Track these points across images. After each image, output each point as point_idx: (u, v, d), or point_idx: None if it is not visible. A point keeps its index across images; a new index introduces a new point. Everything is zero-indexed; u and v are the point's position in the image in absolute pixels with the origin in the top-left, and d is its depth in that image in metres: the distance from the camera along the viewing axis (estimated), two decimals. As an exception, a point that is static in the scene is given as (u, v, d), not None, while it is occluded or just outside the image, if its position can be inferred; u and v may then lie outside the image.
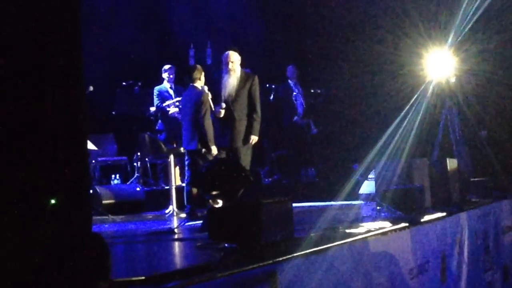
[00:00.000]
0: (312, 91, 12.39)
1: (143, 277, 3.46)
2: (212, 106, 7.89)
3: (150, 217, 8.68)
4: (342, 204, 8.00)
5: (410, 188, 7.17)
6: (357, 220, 6.51)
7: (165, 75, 10.31)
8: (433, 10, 10.75)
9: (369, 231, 5.60)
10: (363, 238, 5.33)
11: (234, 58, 7.91)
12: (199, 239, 5.32)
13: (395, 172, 7.35)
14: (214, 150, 7.67)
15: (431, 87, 10.21)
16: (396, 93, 10.44)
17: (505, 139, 10.88)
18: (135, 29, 11.24)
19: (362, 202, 8.53)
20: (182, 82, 10.50)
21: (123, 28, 10.96)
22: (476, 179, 9.64)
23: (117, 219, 8.33)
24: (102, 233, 3.40)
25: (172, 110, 9.92)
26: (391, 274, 5.63)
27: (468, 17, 10.20)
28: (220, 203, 5.60)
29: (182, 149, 8.93)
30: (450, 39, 10.27)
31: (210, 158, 7.59)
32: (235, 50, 7.98)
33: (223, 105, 7.86)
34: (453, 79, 10.40)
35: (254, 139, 7.90)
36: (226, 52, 7.96)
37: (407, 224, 6.13)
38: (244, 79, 7.93)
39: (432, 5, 10.81)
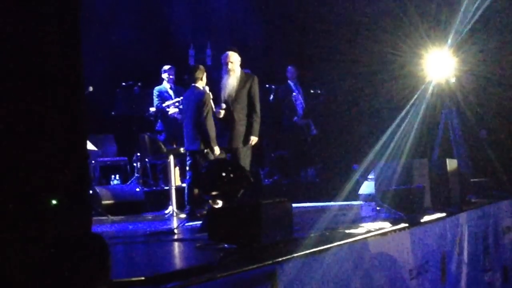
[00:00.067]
0: (312, 91, 12.39)
1: (142, 278, 3.46)
2: (213, 106, 7.89)
3: (150, 217, 8.67)
4: (342, 205, 8.00)
5: (410, 188, 7.17)
6: (357, 221, 6.50)
7: (164, 76, 10.32)
8: (433, 10, 10.76)
9: (369, 231, 5.60)
10: (363, 238, 5.33)
11: (234, 59, 7.91)
12: (199, 239, 5.32)
13: (395, 173, 7.35)
14: (217, 150, 7.67)
15: (431, 88, 10.21)
16: (396, 94, 10.45)
17: (505, 139, 10.89)
18: (135, 29, 11.24)
19: (362, 202, 8.51)
20: (182, 83, 10.50)
21: (123, 28, 10.96)
22: (476, 179, 9.64)
23: (117, 219, 8.33)
24: (102, 234, 3.39)
25: (172, 110, 9.92)
26: (391, 275, 5.63)
27: (468, 18, 10.21)
28: (220, 203, 5.60)
29: (182, 149, 8.93)
30: (450, 40, 10.27)
31: (212, 158, 7.58)
32: (234, 51, 7.98)
33: (223, 105, 7.86)
34: (453, 80, 10.41)
35: (254, 139, 7.90)
36: (226, 53, 7.96)
37: (407, 225, 6.13)
38: (244, 80, 7.93)
39: (432, 5, 10.81)
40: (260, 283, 4.01)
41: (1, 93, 2.99)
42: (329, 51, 11.44)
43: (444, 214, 7.14)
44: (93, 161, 9.66)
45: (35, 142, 3.07)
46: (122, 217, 8.53)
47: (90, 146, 9.11)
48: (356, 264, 5.11)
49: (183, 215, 8.10)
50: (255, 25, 12.39)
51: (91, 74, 7.77)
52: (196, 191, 7.55)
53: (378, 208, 7.16)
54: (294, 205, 5.39)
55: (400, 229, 5.97)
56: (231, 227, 4.64)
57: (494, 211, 8.79)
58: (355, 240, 5.21)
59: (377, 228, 5.82)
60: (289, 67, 11.93)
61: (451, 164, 8.28)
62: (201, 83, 7.95)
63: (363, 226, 5.92)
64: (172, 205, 8.64)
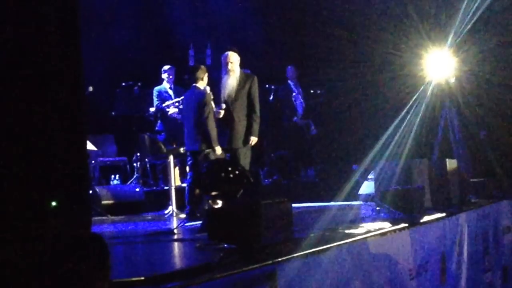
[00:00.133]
0: (312, 91, 12.39)
1: (142, 278, 3.46)
2: (214, 106, 7.88)
3: (150, 217, 8.67)
4: (342, 205, 8.00)
5: (410, 188, 7.17)
6: (357, 221, 6.50)
7: (164, 76, 10.31)
8: (433, 10, 10.75)
9: (368, 231, 5.60)
10: (362, 238, 5.33)
11: (234, 59, 7.90)
12: (199, 239, 5.32)
13: (395, 173, 7.36)
14: (218, 150, 7.66)
15: (430, 88, 10.21)
16: (395, 94, 10.45)
17: (505, 139, 10.89)
18: (135, 29, 11.24)
19: (361, 202, 8.53)
20: (182, 83, 10.50)
21: (123, 29, 10.96)
22: (475, 179, 9.64)
23: (117, 219, 8.33)
24: (102, 234, 3.39)
25: (172, 110, 9.91)
26: (390, 275, 5.63)
27: (468, 18, 10.21)
28: (219, 203, 5.60)
29: (182, 149, 8.93)
30: (449, 40, 10.27)
31: (214, 158, 7.57)
32: (234, 51, 7.97)
33: (223, 105, 7.86)
34: (452, 80, 10.40)
35: (253, 140, 7.89)
36: (226, 53, 7.96)
37: (406, 225, 6.13)
38: (243, 80, 7.93)
39: (432, 5, 10.81)
40: (260, 283, 4.01)
41: (1, 93, 2.99)
42: (329, 51, 11.43)
43: (444, 214, 7.14)
44: (93, 161, 9.66)
45: (35, 142, 3.07)
46: (122, 217, 8.53)
47: (90, 146, 9.11)
48: (356, 264, 5.11)
49: (183, 215, 8.09)
50: (255, 25, 12.38)
51: (91, 74, 7.77)
52: (197, 191, 7.54)
53: (378, 208, 7.16)
54: (294, 205, 5.39)
55: (400, 229, 5.97)
56: (231, 227, 4.64)
57: (494, 211, 8.80)
58: (355, 240, 5.21)
59: (377, 228, 5.82)
60: (289, 67, 11.94)
61: (451, 164, 8.29)
62: (202, 83, 7.94)
63: (363, 226, 5.92)
64: (172, 205, 8.64)
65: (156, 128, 10.34)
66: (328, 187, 9.48)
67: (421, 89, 10.15)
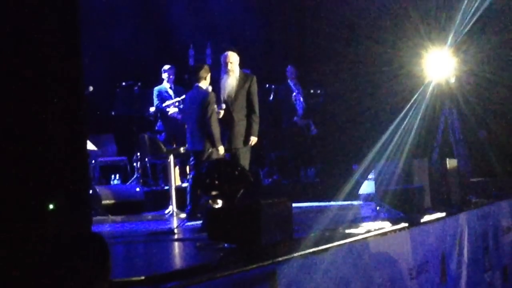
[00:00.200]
0: (312, 91, 12.38)
1: (142, 277, 3.46)
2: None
3: (150, 217, 8.67)
4: (342, 205, 8.00)
5: (410, 188, 7.17)
6: (357, 221, 6.50)
7: (164, 76, 10.32)
8: (433, 10, 10.75)
9: (368, 231, 5.60)
10: (362, 238, 5.33)
11: (233, 59, 7.91)
12: (199, 239, 5.32)
13: (395, 173, 7.35)
14: (221, 150, 7.66)
15: (430, 88, 10.21)
16: (395, 94, 10.45)
17: (505, 139, 10.89)
18: (134, 29, 11.24)
19: (361, 202, 8.53)
20: (182, 82, 10.51)
21: (123, 28, 10.96)
22: (475, 179, 9.64)
23: (117, 219, 8.33)
24: (102, 233, 3.39)
25: (172, 110, 9.92)
26: (390, 275, 5.63)
27: (468, 18, 10.21)
28: (219, 203, 5.60)
29: (182, 149, 8.93)
30: (449, 40, 10.27)
31: (216, 158, 7.57)
32: (234, 51, 7.97)
33: (223, 105, 7.86)
34: (452, 80, 10.40)
35: (253, 140, 7.90)
36: (225, 53, 7.96)
37: (406, 225, 6.13)
38: (243, 80, 7.93)
39: (431, 5, 10.81)
40: (260, 283, 4.02)
41: (1, 93, 2.99)
42: (329, 51, 11.45)
43: (444, 214, 7.14)
44: (93, 161, 9.66)
45: (35, 142, 3.07)
46: (122, 217, 8.53)
47: (90, 146, 9.11)
48: (356, 264, 5.10)
49: (183, 215, 8.10)
50: (255, 24, 12.38)
51: (91, 74, 7.76)
52: (199, 191, 7.53)
53: (378, 208, 7.16)
54: (294, 205, 5.38)
55: (400, 229, 5.97)
56: (231, 227, 4.64)
57: (494, 211, 8.79)
58: (355, 240, 5.21)
59: (377, 228, 5.81)
60: (289, 66, 11.93)
61: (451, 164, 8.28)
62: (205, 83, 7.92)
63: (363, 226, 5.93)
64: (172, 205, 8.64)
65: (156, 128, 10.34)
66: (328, 187, 9.48)
67: (421, 89, 10.14)
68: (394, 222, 6.18)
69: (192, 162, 7.91)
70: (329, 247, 4.77)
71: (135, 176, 10.06)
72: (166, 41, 11.85)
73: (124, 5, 11.34)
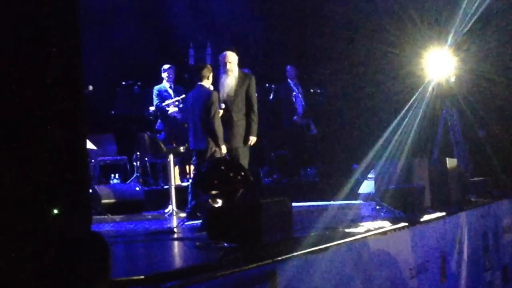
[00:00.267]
0: (312, 90, 12.38)
1: (142, 277, 3.46)
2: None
3: (150, 216, 8.67)
4: (342, 204, 8.00)
5: (410, 187, 7.17)
6: (357, 220, 6.50)
7: (164, 75, 10.32)
8: (433, 10, 10.75)
9: (368, 230, 5.60)
10: (362, 237, 5.33)
11: (232, 59, 7.91)
12: (199, 238, 5.32)
13: (395, 172, 7.35)
14: (224, 149, 7.67)
15: (430, 87, 10.21)
16: (396, 93, 10.45)
17: (505, 138, 10.89)
18: (134, 29, 11.24)
19: (361, 201, 8.52)
20: (182, 82, 10.51)
21: (123, 28, 10.96)
22: (475, 179, 9.64)
23: (117, 218, 8.33)
24: (102, 233, 3.39)
25: (172, 109, 9.92)
26: (390, 274, 5.63)
27: (468, 17, 10.20)
28: (219, 202, 5.60)
29: (181, 148, 8.93)
30: (450, 39, 10.27)
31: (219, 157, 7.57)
32: (232, 50, 7.98)
33: (222, 105, 7.87)
34: (453, 79, 10.40)
35: (253, 140, 7.91)
36: (224, 53, 7.96)
37: (406, 224, 6.13)
38: (242, 79, 7.94)
39: (432, 5, 10.81)
40: (260, 282, 4.02)
41: (1, 93, 2.99)
42: (329, 50, 11.45)
43: (444, 214, 7.14)
44: (93, 160, 9.66)
45: (35, 141, 3.07)
46: (122, 216, 8.53)
47: (90, 145, 9.11)
48: (356, 263, 5.11)
49: (183, 214, 8.09)
50: (255, 24, 12.38)
51: (91, 73, 7.76)
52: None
53: (378, 207, 7.16)
54: (294, 204, 5.40)
55: (400, 228, 5.97)
56: (231, 226, 4.64)
57: (494, 211, 8.79)
58: (355, 239, 5.22)
59: (377, 227, 5.82)
60: (289, 66, 11.93)
61: (451, 163, 8.29)
62: (208, 82, 7.92)
63: (363, 225, 5.92)
64: (172, 204, 8.64)
65: (156, 127, 10.34)
66: (328, 186, 9.48)
67: (421, 88, 10.14)
68: (394, 222, 6.18)
69: (196, 162, 7.91)
70: (329, 247, 4.77)
71: (135, 176, 10.06)
72: (166, 41, 11.85)
73: (124, 5, 11.35)
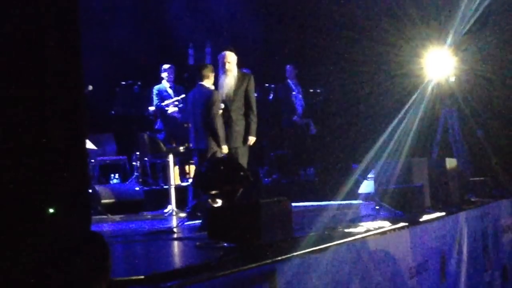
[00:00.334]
0: (311, 90, 12.39)
1: (142, 276, 3.46)
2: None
3: (149, 216, 8.68)
4: (341, 204, 8.00)
5: (410, 187, 7.17)
6: (356, 220, 6.50)
7: (164, 75, 10.32)
8: (433, 10, 10.76)
9: (368, 230, 5.60)
10: (362, 237, 5.33)
11: (231, 59, 7.92)
12: (199, 238, 5.32)
13: (394, 172, 7.35)
14: (225, 149, 7.67)
15: (430, 87, 10.21)
16: (395, 93, 10.45)
17: (504, 138, 10.89)
18: (134, 29, 11.24)
19: (361, 201, 8.53)
20: (181, 82, 10.51)
21: (123, 28, 10.96)
22: (475, 178, 9.64)
23: (116, 218, 8.33)
24: (101, 233, 3.39)
25: (171, 109, 9.92)
26: (390, 274, 5.63)
27: (468, 17, 10.21)
28: (219, 202, 5.60)
29: (181, 148, 8.94)
30: (449, 39, 10.27)
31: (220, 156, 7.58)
32: (231, 50, 7.98)
33: (222, 105, 7.87)
34: (452, 79, 10.40)
35: (252, 139, 7.92)
36: (223, 53, 7.96)
37: (406, 224, 6.13)
38: (241, 79, 7.94)
39: (431, 5, 10.82)
40: (259, 282, 4.02)
41: (0, 93, 2.99)
42: (328, 50, 11.45)
43: (443, 213, 7.14)
44: (92, 160, 9.66)
45: (35, 141, 3.07)
46: (122, 216, 8.54)
47: (89, 145, 9.11)
48: (356, 263, 5.11)
49: (182, 214, 8.10)
50: (254, 24, 12.39)
51: (91, 73, 7.76)
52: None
53: (377, 207, 7.16)
54: (293, 204, 5.39)
55: (399, 228, 5.97)
56: (230, 226, 4.64)
57: (493, 211, 8.79)
58: (355, 239, 5.21)
59: (377, 227, 5.81)
60: (288, 66, 11.93)
61: (451, 163, 8.28)
62: (209, 82, 7.93)
63: (362, 225, 5.92)
64: (171, 204, 8.65)
65: (156, 127, 10.34)
66: (327, 186, 9.48)
67: (421, 88, 10.15)
68: (393, 221, 6.18)
69: (196, 162, 7.91)
70: (328, 246, 4.77)
71: (134, 175, 10.06)
72: (166, 41, 11.86)
73: (123, 5, 11.35)
